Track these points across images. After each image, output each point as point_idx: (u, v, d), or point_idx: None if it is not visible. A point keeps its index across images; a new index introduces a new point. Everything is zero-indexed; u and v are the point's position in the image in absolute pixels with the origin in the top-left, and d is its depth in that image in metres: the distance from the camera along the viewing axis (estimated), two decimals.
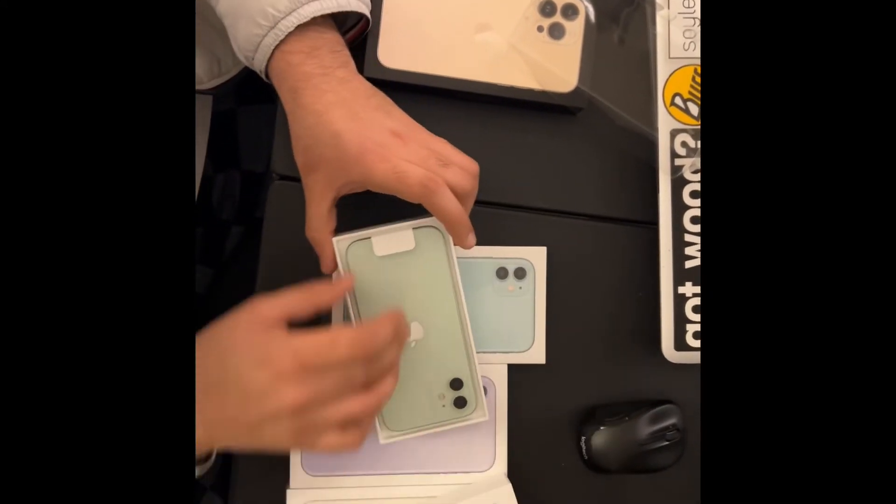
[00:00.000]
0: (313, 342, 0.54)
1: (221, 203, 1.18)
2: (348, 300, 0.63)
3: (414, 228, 0.62)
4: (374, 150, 0.57)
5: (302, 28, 0.59)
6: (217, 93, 0.86)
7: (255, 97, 0.96)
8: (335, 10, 0.60)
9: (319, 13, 0.59)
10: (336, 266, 0.63)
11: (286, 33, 0.58)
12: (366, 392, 0.56)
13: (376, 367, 0.57)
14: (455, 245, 0.63)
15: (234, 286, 1.09)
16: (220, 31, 0.81)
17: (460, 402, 0.66)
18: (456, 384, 0.66)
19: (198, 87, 0.84)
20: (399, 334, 0.57)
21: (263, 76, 0.64)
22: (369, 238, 0.62)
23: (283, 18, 0.58)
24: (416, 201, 0.58)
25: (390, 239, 0.62)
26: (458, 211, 0.58)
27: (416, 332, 0.65)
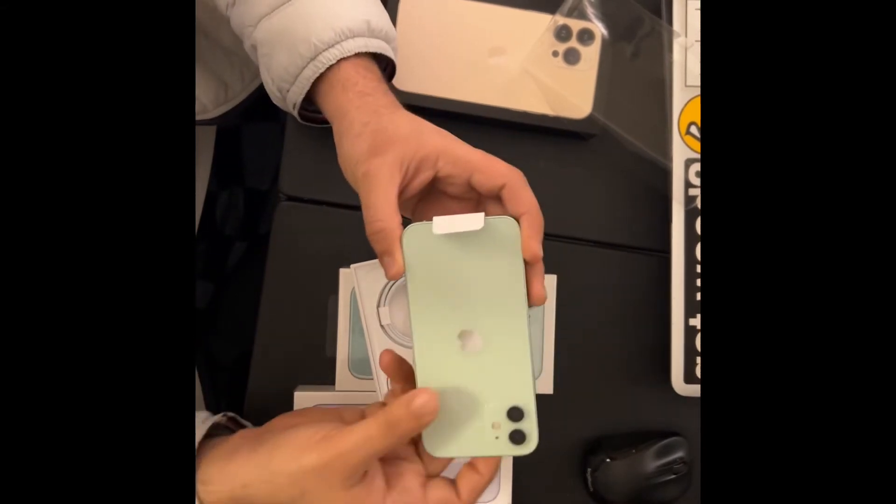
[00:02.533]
0: None
1: (225, 219, 1.18)
2: (408, 290, 0.52)
3: (486, 216, 0.51)
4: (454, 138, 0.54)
5: (369, 61, 0.59)
6: (221, 122, 0.85)
7: (259, 115, 0.96)
8: (376, 49, 0.59)
9: (364, 49, 0.58)
10: (403, 271, 0.52)
11: (327, 66, 0.57)
12: None
13: None
14: (526, 250, 0.52)
15: (235, 301, 1.09)
16: (229, 52, 0.80)
17: (518, 437, 0.53)
18: (515, 414, 0.53)
19: (202, 115, 0.82)
20: None
21: (294, 109, 0.62)
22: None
23: (325, 50, 0.57)
24: (496, 185, 0.52)
25: (455, 217, 0.51)
26: (537, 205, 0.52)
27: (474, 343, 0.53)
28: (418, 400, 0.49)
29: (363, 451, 0.48)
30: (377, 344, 0.66)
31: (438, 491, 0.51)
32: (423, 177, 0.54)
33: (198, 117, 0.82)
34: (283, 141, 1.15)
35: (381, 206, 0.52)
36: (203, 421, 0.57)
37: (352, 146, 0.55)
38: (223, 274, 1.15)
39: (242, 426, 0.62)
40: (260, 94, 0.85)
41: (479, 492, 0.52)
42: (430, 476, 0.53)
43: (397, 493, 0.50)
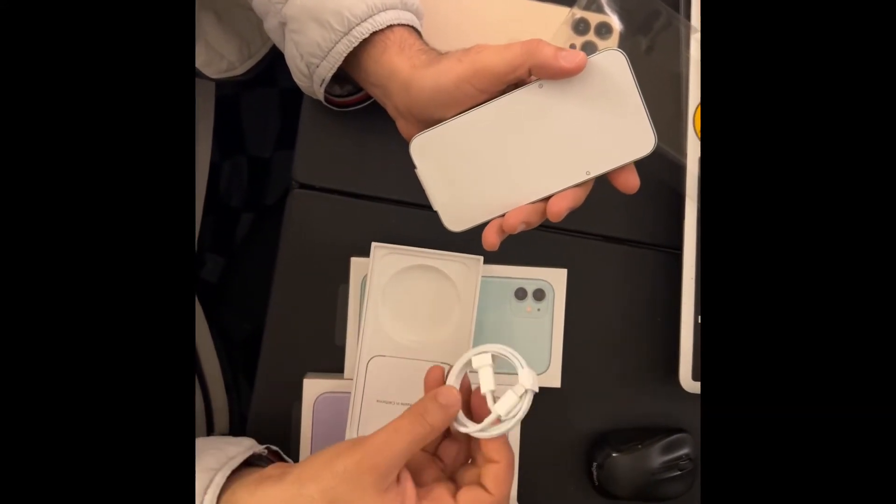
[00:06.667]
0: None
1: (229, 191, 1.18)
2: None
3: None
4: None
5: (412, 31, 0.59)
6: (247, 77, 0.85)
7: (256, 81, 0.96)
8: (408, 22, 0.59)
9: (396, 21, 0.57)
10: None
11: (360, 40, 0.57)
12: None
13: None
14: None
15: (246, 274, 1.09)
16: (245, 9, 0.80)
17: None
18: None
19: (232, 72, 0.82)
20: None
21: (321, 85, 0.61)
22: None
23: (357, 24, 0.56)
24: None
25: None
26: None
27: None
28: (444, 393, 0.54)
29: (395, 444, 0.51)
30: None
31: (468, 493, 0.53)
32: None
33: (228, 74, 0.82)
34: (280, 105, 1.14)
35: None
36: (246, 449, 0.59)
37: (439, 72, 0.55)
38: (232, 247, 1.15)
39: (284, 460, 0.63)
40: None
41: (505, 479, 0.54)
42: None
43: (429, 500, 0.52)
